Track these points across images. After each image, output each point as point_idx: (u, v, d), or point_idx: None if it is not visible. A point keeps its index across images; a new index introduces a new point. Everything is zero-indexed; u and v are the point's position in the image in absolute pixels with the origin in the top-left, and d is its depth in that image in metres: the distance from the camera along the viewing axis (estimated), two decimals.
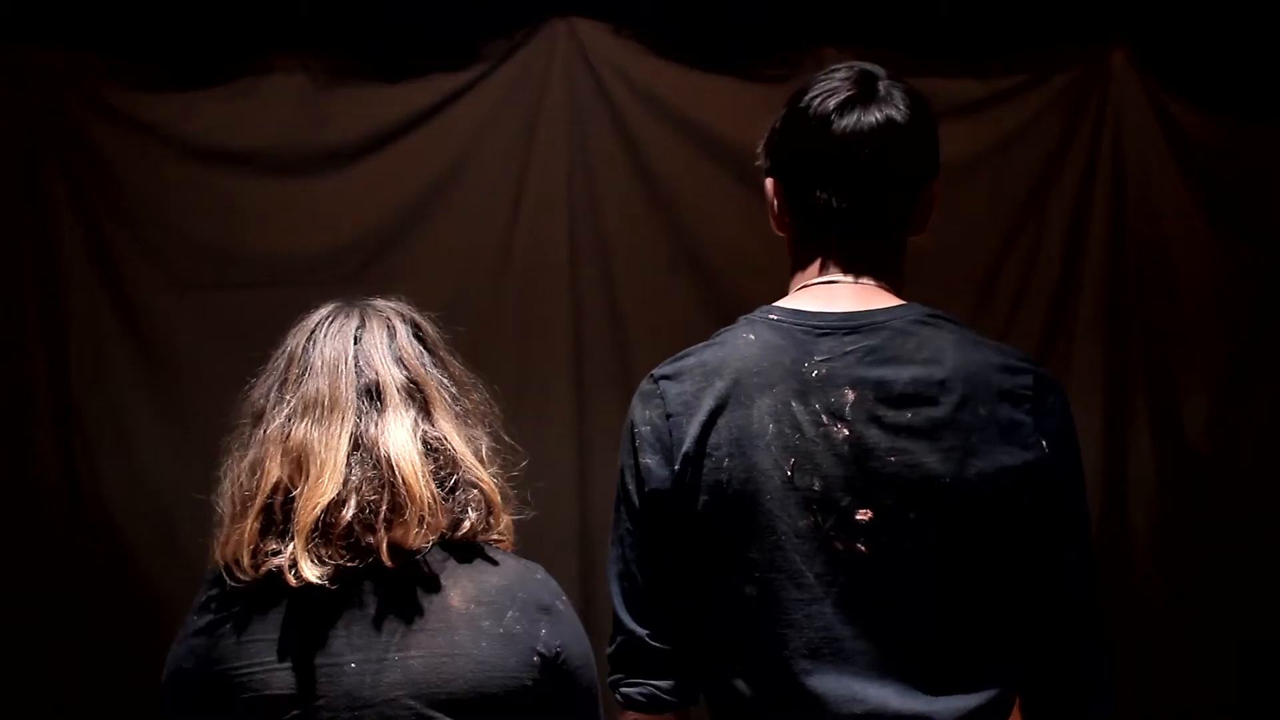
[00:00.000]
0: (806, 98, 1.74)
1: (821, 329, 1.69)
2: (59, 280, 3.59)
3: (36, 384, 3.57)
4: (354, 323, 1.78)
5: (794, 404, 1.66)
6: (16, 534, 3.53)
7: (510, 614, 1.74)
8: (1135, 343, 3.78)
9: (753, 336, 1.71)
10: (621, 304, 3.69)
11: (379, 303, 1.85)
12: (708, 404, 1.70)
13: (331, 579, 1.65)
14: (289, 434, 1.69)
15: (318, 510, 1.64)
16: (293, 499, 1.67)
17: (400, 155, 3.67)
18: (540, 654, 1.74)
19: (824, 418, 1.64)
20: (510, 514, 1.84)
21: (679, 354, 1.77)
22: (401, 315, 1.84)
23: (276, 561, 1.66)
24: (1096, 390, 3.78)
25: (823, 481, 1.64)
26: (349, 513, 1.65)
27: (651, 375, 1.78)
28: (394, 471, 1.67)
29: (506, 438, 1.90)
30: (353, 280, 3.62)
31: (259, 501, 1.67)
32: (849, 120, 1.69)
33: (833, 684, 1.64)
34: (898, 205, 1.74)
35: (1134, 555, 3.78)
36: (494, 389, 1.93)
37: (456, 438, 1.73)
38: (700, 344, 1.77)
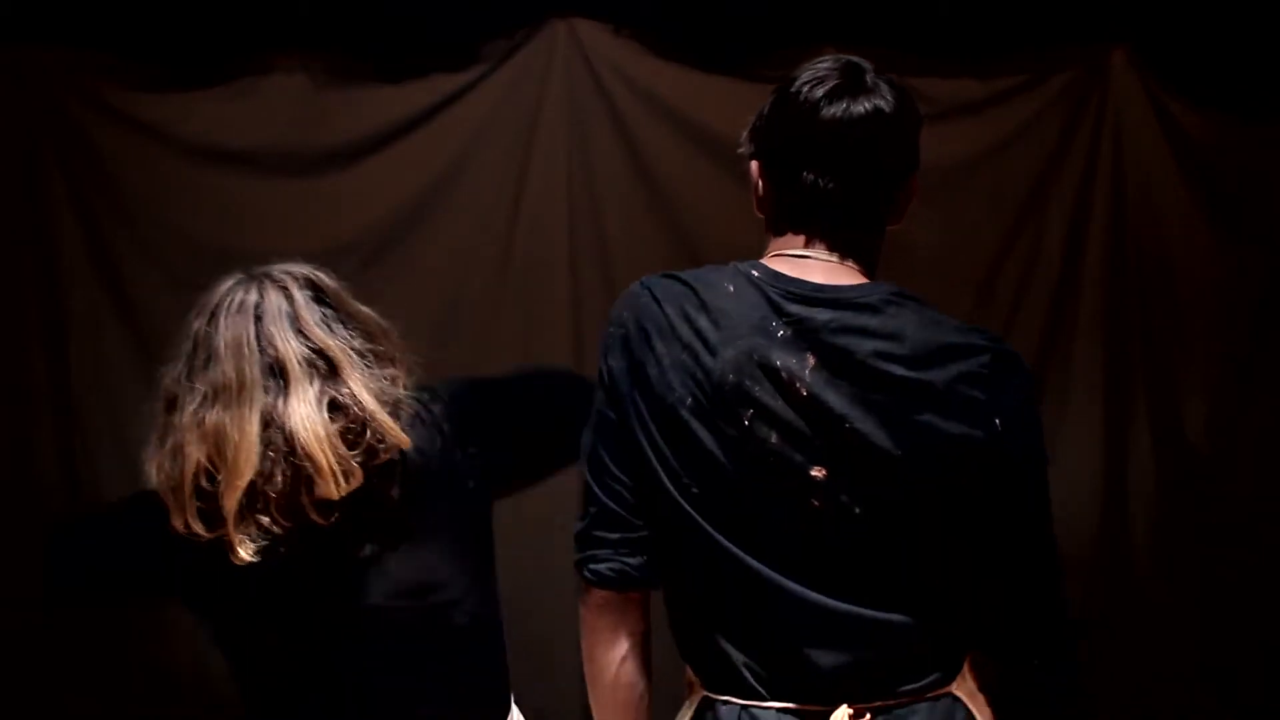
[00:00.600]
0: (796, 85, 1.78)
1: (792, 294, 1.73)
2: (59, 280, 3.59)
3: (36, 384, 3.57)
4: (253, 298, 1.82)
5: (757, 358, 1.71)
6: (16, 534, 3.53)
7: (429, 441, 1.85)
8: (1135, 343, 3.79)
9: (733, 288, 1.76)
10: None
11: (276, 271, 1.88)
12: (681, 336, 1.74)
13: (278, 541, 1.75)
14: (202, 419, 1.76)
15: (239, 494, 1.73)
16: (218, 482, 1.75)
17: (400, 155, 3.67)
18: (449, 439, 1.88)
19: (784, 375, 1.69)
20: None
21: (673, 272, 1.81)
22: (298, 280, 1.87)
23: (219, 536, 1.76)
24: (1096, 390, 3.79)
25: (779, 436, 1.69)
26: (271, 488, 1.74)
27: (643, 280, 1.82)
28: (301, 447, 1.74)
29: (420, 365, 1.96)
30: (353, 280, 3.61)
31: (188, 487, 1.75)
32: (838, 108, 1.73)
33: (791, 598, 1.70)
34: (881, 193, 1.79)
35: (1134, 555, 3.78)
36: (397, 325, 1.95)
37: (366, 395, 1.79)
38: (694, 271, 1.81)
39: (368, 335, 1.87)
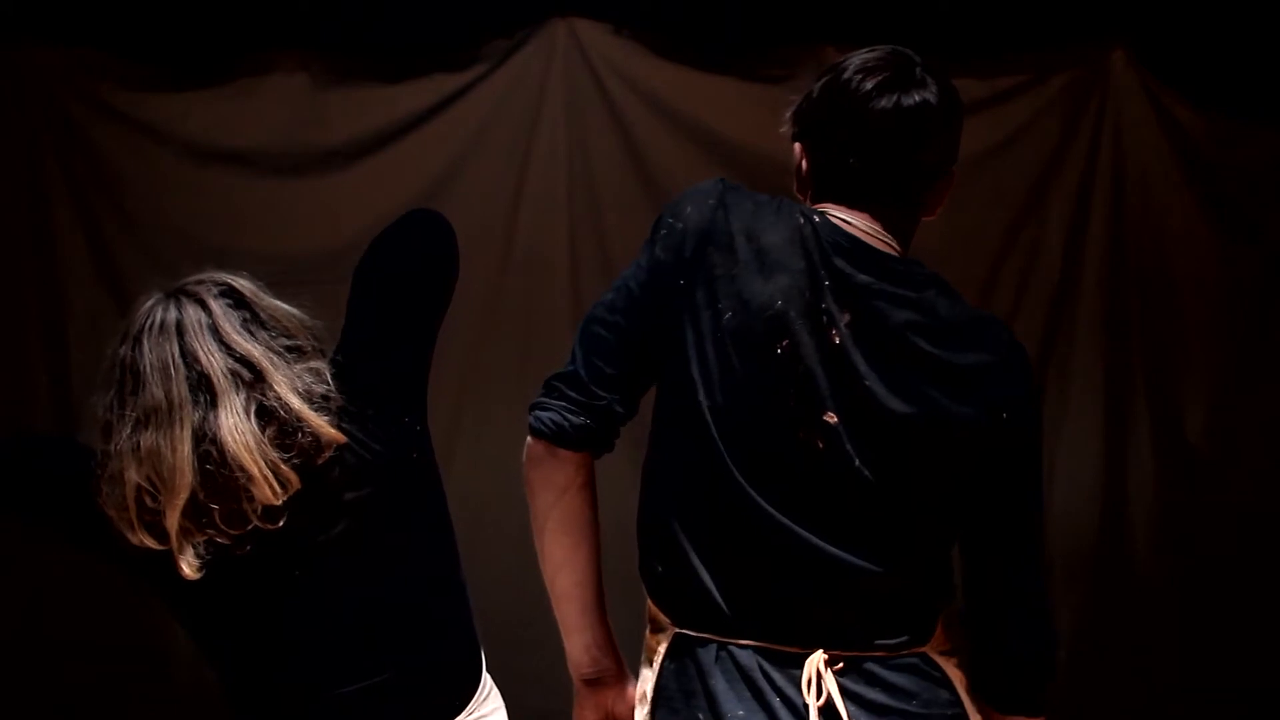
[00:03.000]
0: (846, 74, 1.81)
1: (841, 248, 1.77)
2: (59, 280, 3.59)
3: (36, 384, 3.57)
4: (172, 315, 1.85)
5: (807, 294, 1.74)
6: (17, 535, 3.53)
7: (362, 427, 1.86)
8: (1135, 343, 3.79)
9: (797, 223, 1.79)
10: None
11: (191, 283, 1.91)
12: (738, 251, 1.77)
13: (230, 547, 1.79)
14: (137, 444, 1.80)
15: (178, 512, 1.77)
16: (160, 501, 1.78)
17: (400, 155, 3.67)
18: (377, 417, 1.89)
19: (823, 319, 1.74)
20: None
21: (745, 189, 1.83)
22: (213, 289, 1.90)
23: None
24: (1096, 390, 3.79)
25: (805, 369, 1.73)
26: (212, 501, 1.78)
27: (718, 182, 1.84)
28: (231, 458, 1.78)
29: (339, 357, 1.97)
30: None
31: (133, 511, 1.79)
32: (888, 100, 1.77)
33: (780, 530, 1.73)
34: (922, 182, 1.83)
35: (1134, 555, 3.78)
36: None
37: (292, 397, 1.82)
38: (765, 196, 1.83)
39: (288, 333, 1.89)
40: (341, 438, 1.84)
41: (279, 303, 1.93)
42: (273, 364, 1.83)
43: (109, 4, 3.53)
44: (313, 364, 1.88)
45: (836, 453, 1.73)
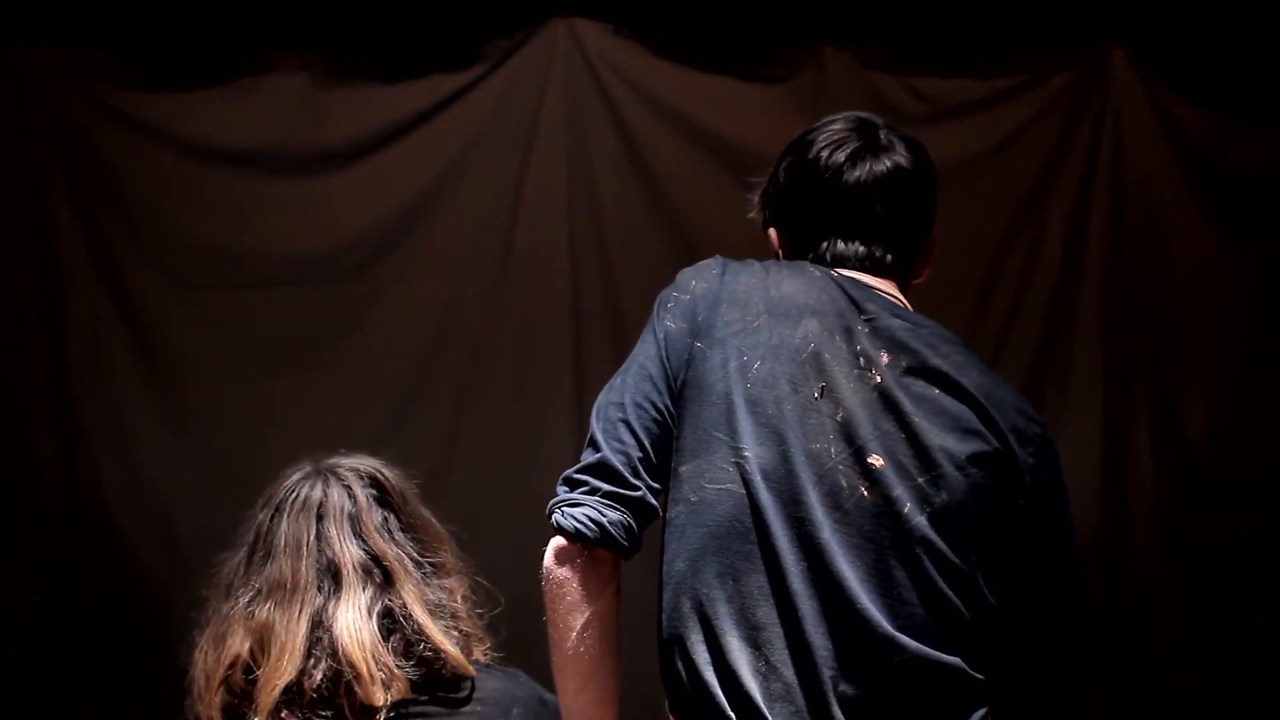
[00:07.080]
0: (813, 151, 1.78)
1: (867, 295, 1.74)
2: (59, 280, 3.59)
3: (36, 384, 3.57)
4: (317, 495, 1.85)
5: (838, 337, 1.69)
6: (16, 534, 3.53)
7: (515, 711, 1.83)
8: (1135, 343, 3.78)
9: (818, 274, 1.76)
10: (621, 304, 3.69)
11: (343, 467, 1.90)
12: (757, 303, 1.72)
13: None
14: (252, 613, 1.79)
15: (276, 692, 1.74)
16: (254, 677, 1.76)
17: (400, 155, 3.67)
18: None
19: (861, 360, 1.68)
20: (486, 654, 1.90)
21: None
22: (363, 478, 1.89)
23: None
24: (1096, 390, 3.78)
25: (845, 414, 1.66)
26: (308, 690, 1.75)
27: (717, 257, 1.81)
28: (343, 653, 1.75)
29: (483, 580, 1.96)
30: (353, 280, 3.62)
31: (220, 675, 1.77)
32: (861, 170, 1.75)
33: (816, 590, 1.63)
34: (906, 250, 1.80)
35: (1134, 555, 3.78)
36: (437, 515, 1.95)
37: (418, 608, 1.81)
38: (774, 260, 1.80)
39: (425, 544, 1.89)
40: (460, 657, 1.80)
41: (425, 511, 1.92)
42: (405, 571, 1.82)
43: (109, 4, 3.53)
44: (446, 582, 1.86)
45: (884, 499, 1.64)
